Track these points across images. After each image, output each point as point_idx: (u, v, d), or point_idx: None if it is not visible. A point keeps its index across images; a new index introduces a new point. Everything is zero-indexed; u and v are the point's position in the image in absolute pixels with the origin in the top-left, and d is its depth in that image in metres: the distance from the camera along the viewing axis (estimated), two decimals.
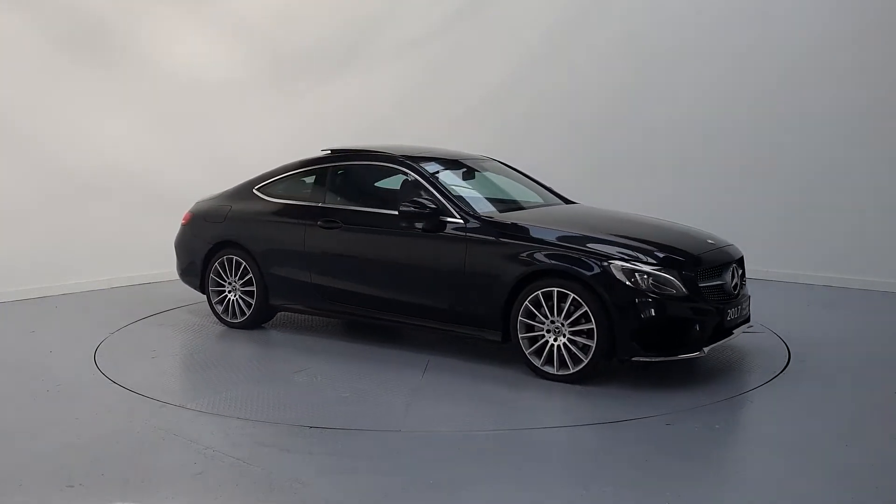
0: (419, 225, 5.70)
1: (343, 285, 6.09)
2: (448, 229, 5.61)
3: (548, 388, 5.16)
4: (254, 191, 6.64)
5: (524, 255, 5.31)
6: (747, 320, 5.62)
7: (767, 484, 3.81)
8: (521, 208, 6.12)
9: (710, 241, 5.63)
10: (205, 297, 6.88)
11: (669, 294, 5.02)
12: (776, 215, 8.69)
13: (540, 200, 6.52)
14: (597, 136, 9.77)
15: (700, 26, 9.14)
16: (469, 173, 6.41)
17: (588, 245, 5.23)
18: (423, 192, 5.81)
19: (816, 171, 8.51)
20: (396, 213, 5.81)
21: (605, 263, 5.06)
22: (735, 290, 5.45)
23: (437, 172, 6.03)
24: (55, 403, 4.93)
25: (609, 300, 4.98)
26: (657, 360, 5.10)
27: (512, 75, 10.19)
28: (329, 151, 6.55)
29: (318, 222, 6.15)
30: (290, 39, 9.74)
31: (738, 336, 5.54)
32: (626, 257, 5.09)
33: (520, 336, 5.30)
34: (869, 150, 8.26)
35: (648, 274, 5.02)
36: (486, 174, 6.61)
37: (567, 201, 6.66)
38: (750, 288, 5.91)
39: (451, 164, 6.37)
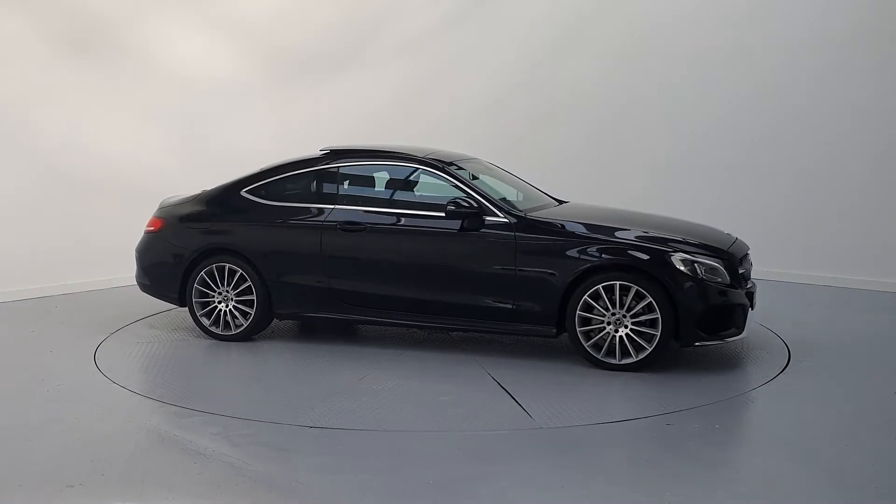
0: (458, 225, 5.69)
1: (371, 290, 5.93)
2: (490, 228, 5.65)
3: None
4: (242, 193, 6.28)
5: (576, 250, 5.48)
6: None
7: (767, 484, 3.81)
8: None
9: (728, 234, 6.04)
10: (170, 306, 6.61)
11: (718, 282, 5.40)
12: (776, 215, 8.68)
13: (527, 199, 6.48)
14: (596, 135, 9.75)
15: (700, 25, 9.13)
16: (475, 175, 6.39)
17: (645, 239, 5.52)
18: (460, 193, 5.81)
19: (816, 170, 8.51)
20: (426, 214, 5.85)
21: (667, 256, 5.34)
22: (749, 278, 5.88)
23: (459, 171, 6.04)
24: (55, 403, 4.93)
25: (674, 290, 5.29)
26: (712, 344, 5.51)
27: (511, 75, 10.18)
28: (328, 151, 6.36)
29: (338, 225, 5.97)
30: (290, 39, 9.74)
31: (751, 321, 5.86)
32: (683, 249, 5.42)
33: (578, 330, 5.44)
34: (869, 149, 8.25)
35: (703, 264, 5.39)
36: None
37: (559, 201, 6.64)
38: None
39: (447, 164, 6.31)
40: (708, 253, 5.49)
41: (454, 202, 5.69)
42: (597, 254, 5.45)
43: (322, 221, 6.01)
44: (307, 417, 4.65)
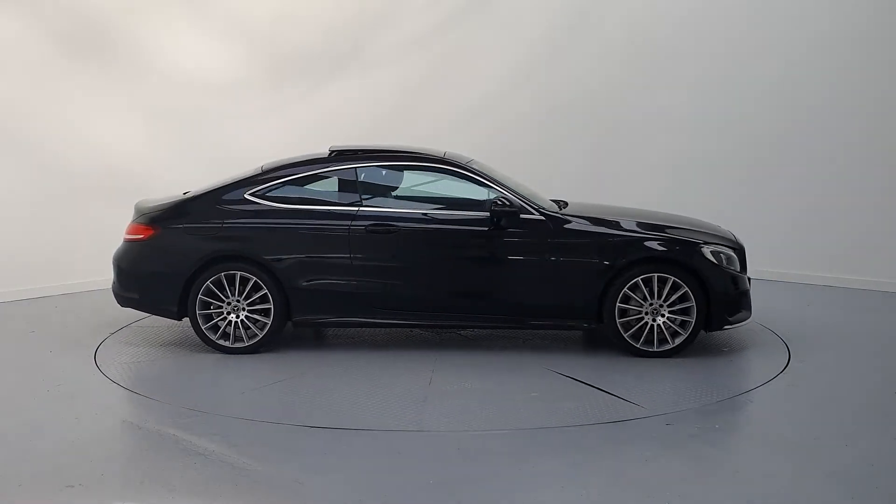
0: (494, 223, 5.73)
1: (406, 292, 5.84)
2: (527, 225, 5.75)
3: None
4: (246, 196, 5.93)
5: (614, 245, 5.72)
6: None
7: (767, 484, 3.81)
8: None
9: (719, 227, 6.33)
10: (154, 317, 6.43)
11: (733, 270, 5.81)
12: (776, 215, 8.67)
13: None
14: (597, 135, 9.75)
15: (701, 24, 9.12)
16: None
17: (674, 233, 5.86)
18: (494, 193, 5.85)
19: (817, 171, 8.50)
20: (458, 213, 5.88)
21: (699, 248, 5.73)
22: None
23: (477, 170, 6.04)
24: (55, 403, 4.93)
25: (707, 279, 5.65)
26: (733, 328, 5.90)
27: (512, 75, 10.17)
28: (338, 151, 6.17)
29: (366, 227, 5.80)
30: (290, 39, 9.74)
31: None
32: (710, 241, 5.83)
33: (617, 321, 5.68)
34: (870, 149, 8.24)
35: (725, 254, 5.80)
36: None
37: (557, 202, 6.60)
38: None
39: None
40: (725, 244, 5.89)
41: (495, 202, 5.74)
42: (635, 248, 5.71)
43: (349, 224, 5.83)
44: (402, 421, 4.60)
